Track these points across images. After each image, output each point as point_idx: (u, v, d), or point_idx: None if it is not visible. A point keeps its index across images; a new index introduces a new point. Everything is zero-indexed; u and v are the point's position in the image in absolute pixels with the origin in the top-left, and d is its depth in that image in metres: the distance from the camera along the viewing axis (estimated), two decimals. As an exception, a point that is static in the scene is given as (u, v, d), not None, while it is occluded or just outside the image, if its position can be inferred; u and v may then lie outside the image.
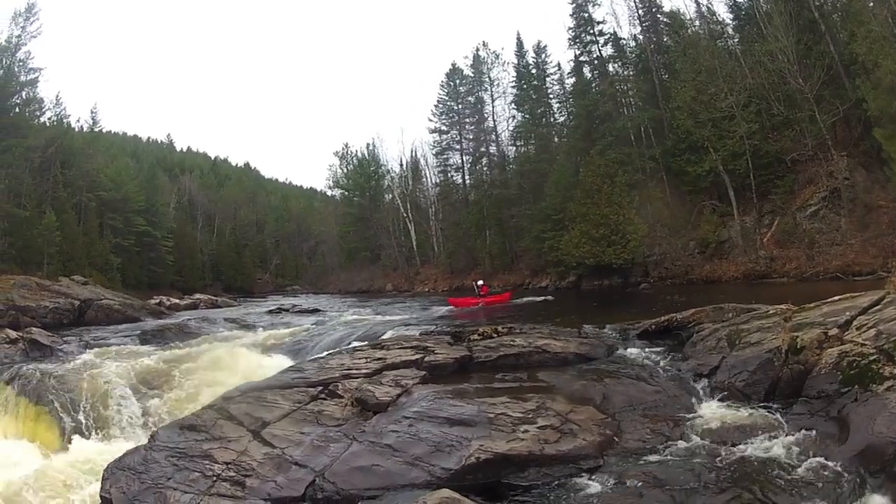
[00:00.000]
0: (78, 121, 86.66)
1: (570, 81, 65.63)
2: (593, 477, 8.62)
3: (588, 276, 45.68)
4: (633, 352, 13.86)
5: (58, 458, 15.78)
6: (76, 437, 16.92)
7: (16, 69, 58.16)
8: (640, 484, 8.24)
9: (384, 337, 20.44)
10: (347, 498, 8.72)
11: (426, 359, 13.60)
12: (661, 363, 12.89)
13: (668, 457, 9.05)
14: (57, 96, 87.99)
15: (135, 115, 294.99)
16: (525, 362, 13.34)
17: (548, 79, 69.73)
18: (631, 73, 56.25)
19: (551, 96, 69.25)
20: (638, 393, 11.15)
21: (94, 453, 15.30)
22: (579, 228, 44.22)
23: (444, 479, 8.58)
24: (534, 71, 70.24)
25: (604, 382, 11.53)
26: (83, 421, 17.64)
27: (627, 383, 11.57)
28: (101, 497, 10.17)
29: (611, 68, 57.70)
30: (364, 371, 13.21)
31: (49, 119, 71.83)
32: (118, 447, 14.34)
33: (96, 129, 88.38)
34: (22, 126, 57.77)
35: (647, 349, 13.90)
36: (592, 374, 12.23)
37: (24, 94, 61.13)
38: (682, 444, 9.38)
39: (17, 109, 59.53)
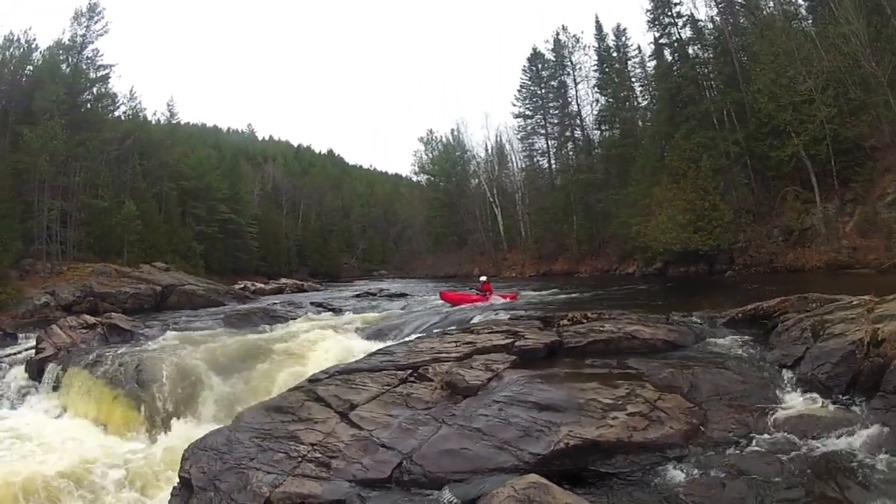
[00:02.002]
0: (154, 114, 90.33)
1: (651, 64, 64.92)
2: (678, 466, 8.58)
3: (674, 263, 45.46)
4: (720, 340, 13.66)
5: (136, 441, 16.41)
6: (155, 420, 17.41)
7: (84, 66, 59.70)
8: (723, 475, 8.20)
9: (473, 321, 20.48)
10: (434, 481, 8.74)
11: (516, 343, 13.48)
12: (748, 353, 12.66)
13: (751, 448, 8.94)
14: (131, 91, 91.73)
15: (215, 106, 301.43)
16: (614, 348, 13.24)
17: (629, 62, 69.20)
18: (710, 55, 54.99)
19: (633, 80, 68.55)
20: (724, 382, 10.99)
21: (174, 435, 15.79)
22: (666, 214, 43.75)
23: (531, 464, 8.53)
24: (615, 54, 69.70)
25: (692, 370, 11.37)
26: (162, 404, 18.02)
27: (714, 372, 11.40)
28: (181, 477, 10.31)
29: (690, 51, 56.41)
30: (454, 355, 13.16)
31: (124, 113, 73.61)
32: (199, 429, 14.56)
33: (174, 122, 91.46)
34: (95, 121, 59.24)
35: (733, 338, 13.65)
36: (680, 361, 12.09)
37: (95, 90, 62.66)
38: (765, 436, 9.24)
39: (88, 105, 60.97)
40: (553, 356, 13.33)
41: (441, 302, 32.64)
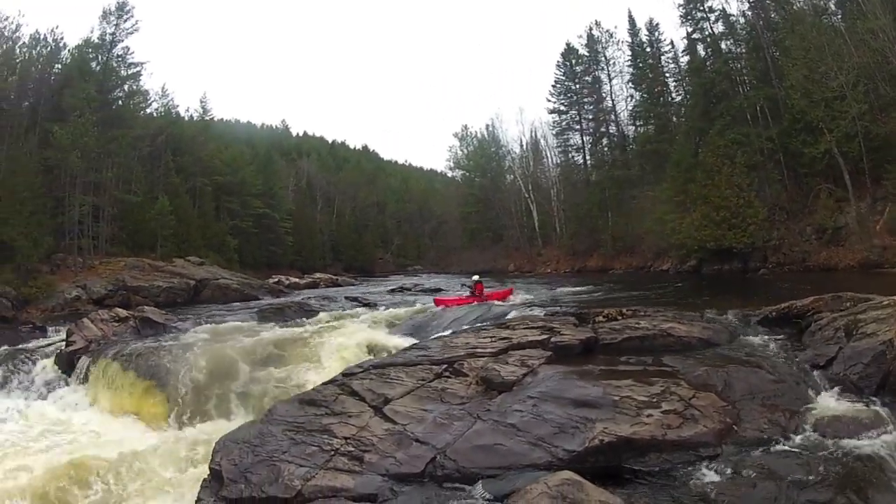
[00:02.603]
0: (187, 110, 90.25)
1: (684, 60, 63.94)
2: (711, 465, 8.56)
3: (709, 260, 44.73)
4: (754, 339, 13.59)
5: (166, 432, 16.57)
6: (185, 412, 17.54)
7: (114, 64, 60.05)
8: (754, 475, 8.18)
9: (508, 317, 20.27)
10: (467, 476, 8.74)
11: (552, 339, 13.49)
12: (781, 351, 12.59)
13: (783, 448, 8.94)
14: (163, 88, 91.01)
15: (248, 103, 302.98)
16: (649, 345, 13.22)
17: (662, 57, 68.24)
18: (743, 50, 54.30)
19: (667, 75, 67.55)
20: (758, 381, 10.92)
21: (204, 427, 16.00)
22: (700, 211, 43.35)
23: (565, 460, 8.54)
24: (648, 49, 69.07)
25: (726, 369, 11.30)
26: (193, 396, 18.16)
27: (748, 371, 11.32)
28: (211, 469, 10.38)
29: (723, 46, 55.57)
30: (489, 350, 13.14)
31: (156, 110, 74.32)
32: (229, 422, 15.12)
33: (207, 118, 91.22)
34: (126, 117, 59.46)
35: (767, 336, 13.59)
36: (715, 359, 12.04)
37: (126, 87, 63.13)
38: (797, 436, 9.23)
39: (119, 102, 61.25)
40: (588, 352, 13.31)
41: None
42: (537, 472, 8.24)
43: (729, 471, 8.36)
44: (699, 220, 43.21)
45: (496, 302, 27.33)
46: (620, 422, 9.17)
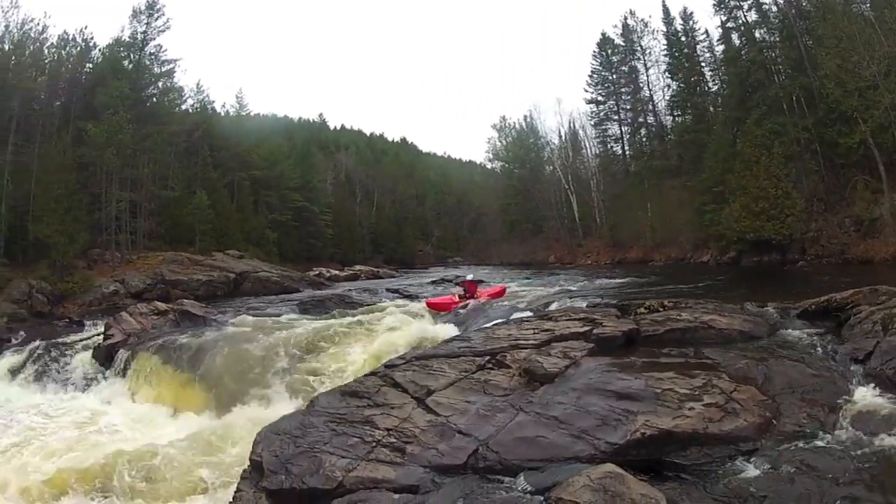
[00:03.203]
0: (223, 106, 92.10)
1: (719, 49, 63.26)
2: (750, 460, 8.55)
3: (748, 252, 44.34)
4: (793, 332, 13.49)
5: (206, 424, 16.62)
6: (225, 404, 17.71)
7: (147, 62, 60.56)
8: (792, 470, 8.16)
9: (550, 308, 20.37)
10: (509, 468, 8.74)
11: (594, 331, 13.43)
12: (820, 345, 12.47)
13: (820, 443, 8.90)
14: (198, 84, 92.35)
15: (284, 97, 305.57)
16: (691, 337, 13.15)
17: (697, 46, 67.63)
18: (777, 39, 53.78)
19: (703, 64, 66.86)
20: (797, 375, 10.88)
21: (244, 419, 15.97)
22: (739, 202, 42.99)
23: (607, 453, 8.53)
24: (683, 39, 68.40)
25: (766, 363, 11.28)
26: (233, 388, 18.34)
27: (788, 365, 11.28)
28: (251, 460, 10.44)
29: (757, 35, 54.96)
30: (532, 342, 13.11)
31: (192, 106, 75.49)
32: (270, 413, 14.91)
33: (243, 113, 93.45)
34: (161, 114, 60.05)
35: (807, 330, 13.49)
36: (755, 352, 11.97)
37: (160, 84, 63.87)
38: (835, 431, 9.18)
39: (154, 99, 61.94)
40: (630, 344, 13.29)
41: (518, 289, 32.26)
42: (579, 465, 8.25)
43: (767, 466, 8.36)
44: (738, 211, 42.85)
45: (492, 301, 26.49)
46: (662, 415, 9.17)
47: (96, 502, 11.93)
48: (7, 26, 45.82)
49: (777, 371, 10.96)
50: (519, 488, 8.22)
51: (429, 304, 26.37)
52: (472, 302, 25.46)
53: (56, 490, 12.18)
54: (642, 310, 15.03)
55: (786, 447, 8.84)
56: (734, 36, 58.88)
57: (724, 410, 9.31)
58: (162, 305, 28.14)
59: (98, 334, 26.64)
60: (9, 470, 13.18)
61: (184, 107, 72.84)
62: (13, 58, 46.21)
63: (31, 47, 48.38)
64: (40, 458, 13.94)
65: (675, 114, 70.03)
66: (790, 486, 7.85)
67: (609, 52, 75.88)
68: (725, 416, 9.21)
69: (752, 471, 8.29)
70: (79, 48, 54.03)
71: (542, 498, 7.51)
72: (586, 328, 13.66)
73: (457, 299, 26.38)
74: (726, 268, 44.49)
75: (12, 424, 18.42)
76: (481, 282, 31.49)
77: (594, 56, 77.33)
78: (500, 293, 28.06)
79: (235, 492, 10.21)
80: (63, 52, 52.33)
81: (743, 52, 55.30)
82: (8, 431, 17.52)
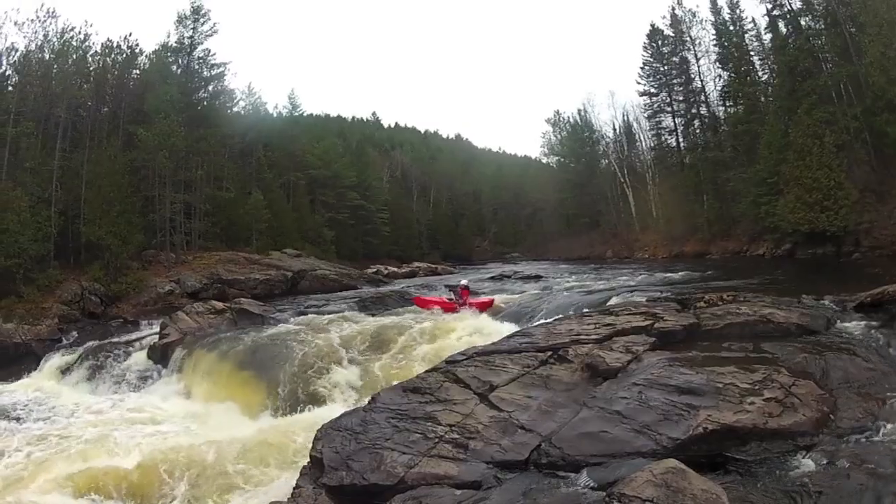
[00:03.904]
0: (276, 107, 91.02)
1: (767, 37, 62.22)
2: (808, 455, 8.57)
3: (803, 244, 43.57)
4: (849, 325, 13.52)
5: (265, 420, 16.99)
6: (284, 401, 17.99)
7: (196, 67, 60.75)
8: (847, 465, 8.13)
9: (610, 303, 20.32)
10: (572, 464, 8.80)
11: (655, 325, 13.57)
12: (875, 339, 12.48)
13: (876, 438, 8.92)
14: (249, 86, 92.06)
15: (337, 97, 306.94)
16: (750, 331, 13.10)
17: (746, 35, 66.77)
18: (822, 26, 53.18)
19: (752, 53, 65.52)
20: (854, 369, 10.86)
21: (304, 416, 16.32)
22: (793, 193, 42.00)
23: (669, 448, 8.59)
24: (731, 28, 67.53)
25: (824, 357, 11.27)
26: (292, 385, 18.51)
27: (845, 359, 11.26)
28: (312, 456, 10.60)
29: (803, 22, 53.86)
30: (593, 337, 13.19)
31: (244, 108, 75.52)
32: (330, 410, 15.11)
33: (296, 114, 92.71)
34: (212, 117, 60.26)
35: (863, 323, 13.49)
36: (813, 347, 11.95)
37: (210, 87, 63.75)
38: (890, 425, 9.15)
39: (205, 103, 62.05)
40: (690, 338, 13.31)
41: (576, 284, 32.61)
42: (640, 461, 8.25)
43: (824, 461, 8.34)
44: (792, 202, 41.89)
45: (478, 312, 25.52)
46: (724, 409, 9.17)
47: (150, 498, 12.20)
48: (46, 36, 46.23)
49: (834, 365, 10.94)
50: (581, 484, 8.27)
51: (416, 301, 26.95)
52: (463, 310, 25.33)
53: (109, 487, 12.40)
54: (702, 303, 15.00)
55: (842, 442, 8.84)
56: (781, 24, 57.70)
57: (784, 405, 9.32)
58: (219, 304, 28.58)
59: (153, 334, 27.11)
60: (60, 467, 13.42)
61: (236, 109, 73.34)
62: (55, 66, 46.57)
63: (74, 56, 48.55)
64: (92, 455, 14.18)
65: (728, 104, 68.16)
66: (846, 482, 7.83)
67: (659, 43, 74.47)
68: (784, 410, 9.22)
69: (809, 466, 8.30)
70: (124, 55, 54.14)
71: (604, 494, 7.44)
72: (647, 322, 13.75)
73: (447, 301, 26.45)
74: (781, 260, 43.82)
75: (61, 422, 18.95)
76: (475, 292, 30.71)
77: (644, 47, 76.04)
78: (489, 304, 26.97)
79: (294, 488, 10.31)
80: (108, 60, 52.40)
81: (790, 41, 54.15)
82: (55, 429, 17.90)
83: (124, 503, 12.07)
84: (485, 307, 26.40)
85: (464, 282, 29.03)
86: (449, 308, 25.68)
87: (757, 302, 14.51)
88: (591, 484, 8.16)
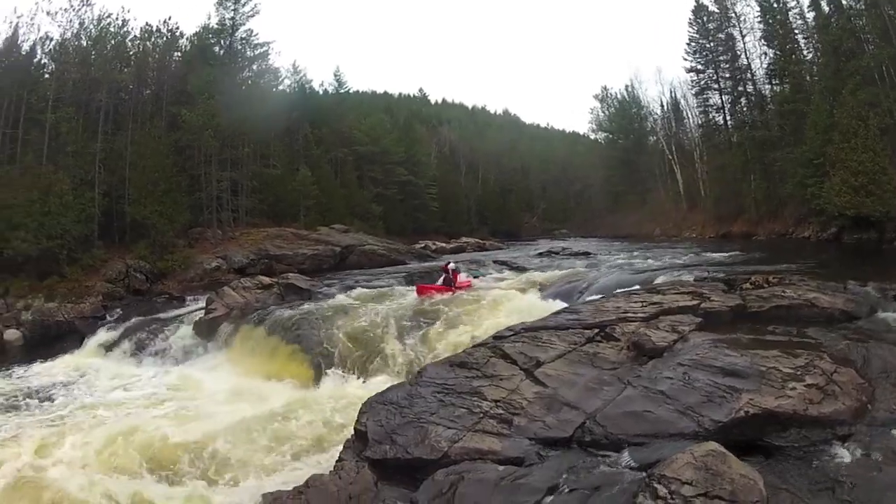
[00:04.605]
0: (321, 84, 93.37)
1: (810, 16, 61.19)
2: (844, 444, 8.56)
3: (849, 228, 42.70)
4: (891, 314, 13.45)
5: (311, 394, 17.13)
6: (331, 374, 18.18)
7: (239, 47, 61.45)
8: (881, 458, 8.22)
9: (657, 282, 20.36)
10: (614, 443, 8.87)
11: (702, 305, 13.65)
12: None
13: (911, 431, 8.87)
14: (293, 64, 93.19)
15: (383, 73, 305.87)
16: (794, 315, 13.18)
17: (790, 13, 66.01)
18: (862, 6, 52.22)
19: (796, 31, 64.96)
20: (893, 359, 10.80)
21: (349, 389, 16.53)
22: (839, 176, 40.93)
23: (711, 431, 8.60)
24: (775, 5, 66.83)
25: (865, 345, 11.23)
26: (339, 358, 18.76)
27: (885, 348, 11.22)
28: (356, 430, 10.79)
29: (844, 1, 52.81)
30: (640, 315, 13.30)
31: (289, 86, 75.92)
32: (375, 384, 15.52)
33: (342, 91, 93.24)
34: (257, 96, 60.46)
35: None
36: (855, 334, 11.97)
37: (254, 67, 64.47)
38: (926, 418, 9.11)
39: (249, 82, 62.68)
40: (736, 319, 13.36)
41: (624, 261, 32.59)
42: (682, 443, 8.32)
43: (860, 452, 8.38)
44: (838, 185, 40.89)
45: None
46: (766, 393, 9.16)
47: (198, 469, 12.38)
48: (82, 24, 46.71)
49: (875, 354, 10.93)
50: (622, 464, 8.37)
51: (417, 289, 25.71)
52: (458, 291, 25.23)
53: (159, 458, 12.70)
54: (748, 285, 15.11)
55: (878, 434, 8.83)
56: (823, 1, 56.94)
57: (824, 392, 9.30)
58: (266, 279, 29.00)
59: (199, 309, 27.53)
60: (107, 440, 13.62)
61: (281, 87, 73.63)
62: (93, 53, 47.27)
63: (113, 41, 49.24)
64: (134, 428, 14.31)
65: (774, 83, 66.91)
66: (879, 475, 7.90)
67: (705, 19, 73.23)
68: (825, 398, 9.21)
69: (845, 456, 8.34)
70: (164, 38, 54.70)
71: (644, 474, 7.55)
72: (694, 302, 13.87)
73: (443, 287, 25.93)
74: (827, 244, 43.33)
75: (100, 397, 19.49)
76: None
77: (690, 23, 74.58)
78: (468, 285, 27.05)
79: (337, 461, 10.52)
80: (148, 44, 52.95)
81: (832, 20, 53.35)
82: (100, 403, 18.41)
83: (166, 475, 12.26)
84: (466, 287, 26.49)
85: (452, 264, 28.35)
86: (446, 291, 25.30)
87: (802, 285, 14.55)
88: (633, 464, 8.25)
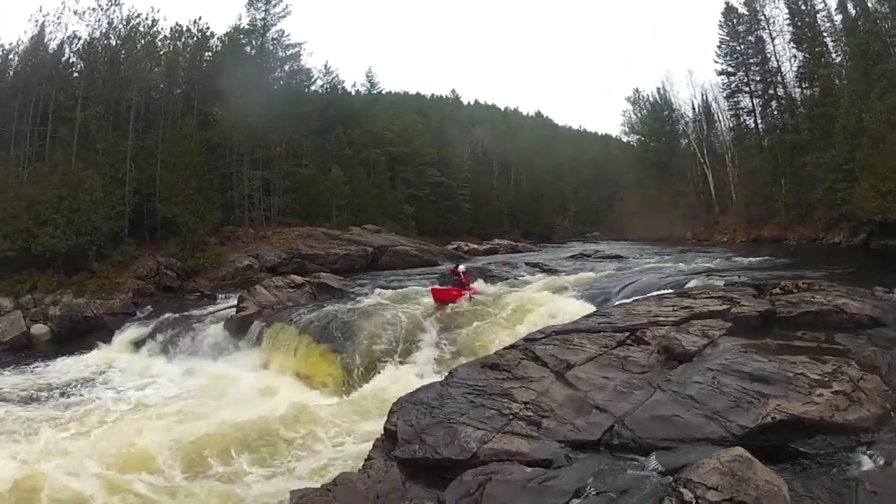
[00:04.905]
0: (353, 85, 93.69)
1: (838, 18, 60.75)
2: (867, 452, 8.52)
3: (877, 234, 42.18)
4: (917, 321, 13.29)
5: (341, 393, 17.65)
6: (361, 374, 18.39)
7: (270, 47, 61.73)
8: None
9: (688, 286, 20.30)
10: (643, 446, 8.90)
11: (732, 310, 13.61)
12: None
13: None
14: (325, 65, 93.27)
15: (415, 74, 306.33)
16: (822, 321, 13.13)
17: (818, 15, 65.61)
18: (887, 9, 51.74)
19: (824, 34, 64.72)
20: (917, 366, 10.73)
21: (379, 389, 16.63)
22: (868, 181, 40.26)
23: (738, 436, 8.62)
24: (803, 7, 66.45)
25: (891, 351, 11.20)
26: (369, 358, 18.97)
27: (911, 355, 11.12)
28: (385, 429, 10.88)
29: (869, 4, 52.64)
30: (671, 319, 13.33)
31: (321, 87, 76.18)
32: (406, 384, 15.40)
33: (374, 91, 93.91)
34: (289, 96, 60.63)
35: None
36: (882, 340, 11.90)
37: (286, 67, 64.70)
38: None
39: (281, 82, 63.00)
40: (765, 325, 13.37)
41: (655, 265, 32.64)
42: (709, 448, 8.31)
43: (882, 460, 8.33)
44: (867, 190, 40.25)
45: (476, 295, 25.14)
46: (793, 400, 9.18)
47: (224, 469, 12.56)
48: (111, 23, 47.17)
49: (900, 361, 10.79)
50: (650, 468, 8.36)
51: (435, 297, 24.81)
52: (467, 293, 24.89)
53: (187, 454, 12.86)
54: (777, 290, 15.04)
55: (899, 441, 8.79)
56: (850, 4, 56.66)
57: (850, 399, 9.31)
58: (298, 278, 29.37)
59: (230, 307, 27.96)
60: (132, 435, 13.80)
61: (313, 88, 73.97)
62: (122, 52, 47.78)
63: (143, 41, 49.71)
64: (167, 425, 14.63)
65: (803, 86, 66.33)
66: (896, 483, 7.87)
67: (734, 21, 72.89)
68: (850, 404, 9.22)
69: (867, 464, 8.30)
70: (195, 38, 55.09)
71: (671, 479, 7.57)
72: (724, 307, 13.85)
73: (455, 288, 25.50)
74: (856, 250, 42.96)
75: (132, 391, 19.91)
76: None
77: (720, 26, 74.06)
78: (476, 291, 26.14)
79: (366, 460, 10.61)
80: (178, 43, 53.39)
81: (859, 23, 52.90)
82: (127, 398, 18.83)
83: (193, 471, 12.43)
84: (474, 292, 25.90)
85: (462, 267, 28.17)
86: (460, 294, 24.76)
87: (831, 291, 14.49)
88: (660, 468, 8.23)
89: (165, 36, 52.51)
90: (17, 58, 45.66)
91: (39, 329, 30.74)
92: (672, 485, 7.17)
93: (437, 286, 26.55)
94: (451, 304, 23.33)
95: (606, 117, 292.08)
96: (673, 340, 11.85)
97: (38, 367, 24.89)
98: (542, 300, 22.15)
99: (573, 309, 20.03)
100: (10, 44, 46.50)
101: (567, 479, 8.37)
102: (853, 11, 55.12)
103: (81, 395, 19.75)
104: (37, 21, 43.61)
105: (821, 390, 9.39)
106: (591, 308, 19.28)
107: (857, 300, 13.73)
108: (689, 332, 12.36)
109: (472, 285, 26.62)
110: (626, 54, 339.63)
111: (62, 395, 20.06)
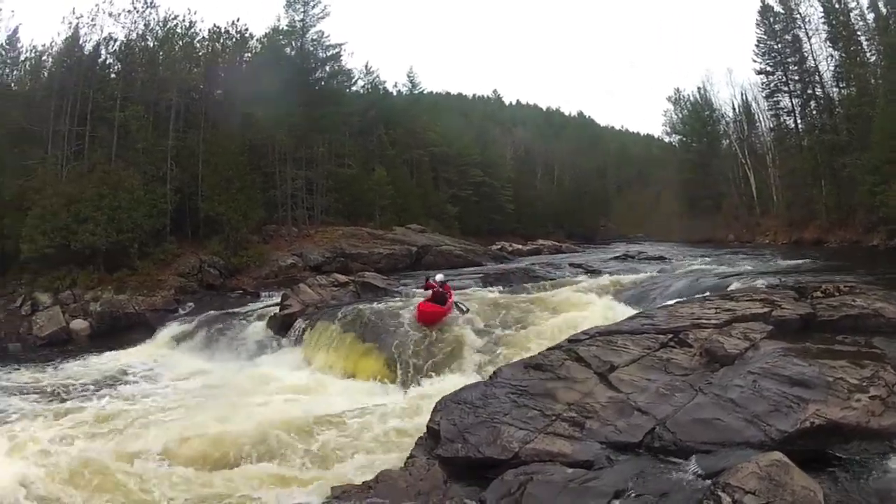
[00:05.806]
0: (395, 85, 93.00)
1: (871, 17, 59.79)
2: (897, 458, 8.57)
3: None
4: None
5: (385, 392, 17.66)
6: (405, 373, 18.46)
7: (310, 48, 61.60)
8: None
9: (730, 288, 20.32)
10: (683, 449, 8.98)
11: (773, 313, 13.56)
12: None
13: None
14: (366, 65, 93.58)
15: (457, 75, 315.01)
16: (862, 325, 13.01)
17: (851, 14, 64.97)
18: None
19: (858, 33, 63.51)
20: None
21: (423, 388, 16.88)
22: None
23: (777, 441, 8.65)
24: (836, 5, 65.83)
25: (925, 356, 11.12)
26: (413, 358, 19.01)
27: (942, 360, 11.12)
28: (428, 427, 11.06)
29: None
30: (714, 322, 13.31)
31: (363, 87, 77.05)
32: (450, 383, 15.68)
33: (416, 91, 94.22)
34: (331, 96, 61.17)
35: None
36: (917, 344, 11.81)
37: (327, 68, 64.59)
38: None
39: (322, 83, 62.96)
40: (806, 328, 13.32)
41: (699, 267, 32.17)
42: (747, 451, 8.41)
43: (914, 466, 8.35)
44: None
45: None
46: (832, 404, 9.18)
47: (267, 465, 12.56)
48: (147, 25, 47.52)
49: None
50: (689, 471, 8.46)
51: (422, 320, 21.57)
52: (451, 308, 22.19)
53: (228, 454, 12.92)
54: (818, 293, 14.89)
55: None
56: (880, 3, 56.33)
57: (886, 404, 9.31)
58: (342, 277, 29.67)
59: (273, 305, 28.16)
60: (179, 433, 13.88)
61: (354, 88, 74.82)
62: (160, 53, 48.17)
63: (181, 42, 50.15)
64: (207, 422, 14.64)
65: (840, 86, 65.57)
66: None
67: (771, 20, 72.27)
68: (886, 410, 9.21)
69: (897, 470, 8.35)
70: (234, 39, 55.64)
71: (710, 482, 7.70)
72: (766, 309, 13.79)
73: (435, 305, 21.99)
74: (894, 252, 42.54)
75: (173, 387, 20.23)
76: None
77: (757, 24, 73.06)
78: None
79: (408, 458, 10.81)
80: (217, 45, 53.82)
81: (891, 21, 52.90)
82: (169, 394, 19.14)
83: (235, 466, 12.54)
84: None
85: (440, 276, 24.13)
86: (442, 312, 21.71)
87: (871, 294, 14.39)
88: (699, 472, 8.32)
89: (203, 37, 52.92)
90: (51, 59, 46.43)
91: (79, 324, 31.03)
92: (711, 488, 7.31)
93: (424, 302, 22.52)
94: (436, 325, 21.20)
95: (648, 117, 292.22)
96: (715, 343, 11.88)
97: (81, 360, 25.13)
98: (584, 301, 22.29)
99: (617, 310, 20.26)
100: (44, 45, 47.53)
101: (607, 480, 8.49)
102: (884, 10, 54.42)
103: (126, 389, 19.99)
104: (70, 23, 43.97)
105: (859, 395, 9.38)
106: (632, 310, 19.25)
107: (894, 304, 13.62)
108: (731, 335, 12.35)
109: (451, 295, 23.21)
110: (666, 52, 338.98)
111: (111, 387, 20.25)
